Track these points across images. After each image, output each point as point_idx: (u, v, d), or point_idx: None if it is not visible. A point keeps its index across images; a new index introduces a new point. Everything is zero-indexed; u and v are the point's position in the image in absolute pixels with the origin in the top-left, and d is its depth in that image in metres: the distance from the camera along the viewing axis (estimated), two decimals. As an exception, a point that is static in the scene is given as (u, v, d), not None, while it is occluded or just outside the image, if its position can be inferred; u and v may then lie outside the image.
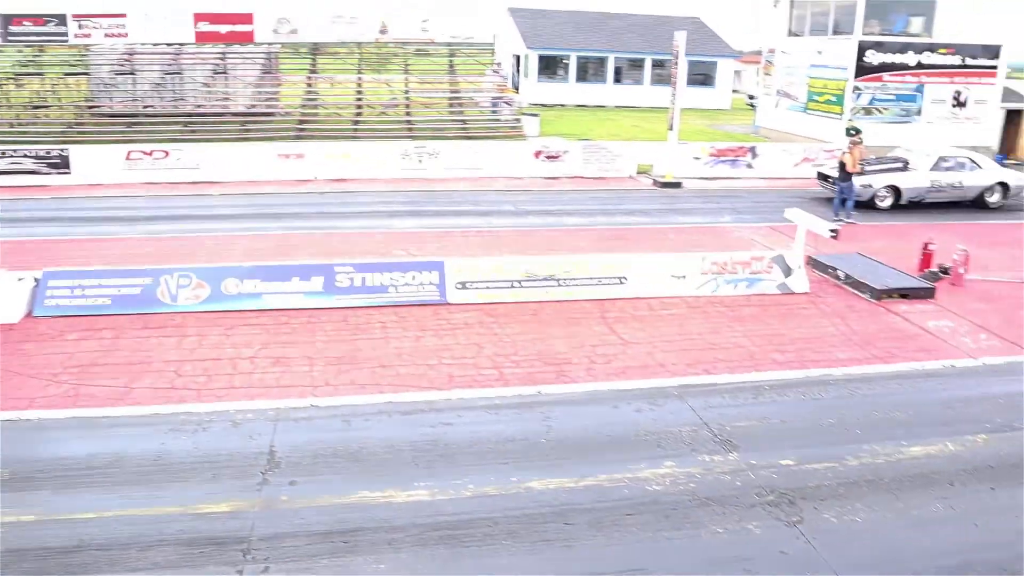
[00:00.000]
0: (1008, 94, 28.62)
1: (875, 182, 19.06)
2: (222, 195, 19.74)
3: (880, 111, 26.71)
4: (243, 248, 14.25)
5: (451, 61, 32.28)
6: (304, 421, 8.13)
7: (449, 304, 11.53)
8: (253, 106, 27.88)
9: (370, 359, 9.68)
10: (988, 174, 19.97)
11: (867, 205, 19.01)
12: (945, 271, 13.26)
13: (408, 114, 28.56)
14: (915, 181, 19.32)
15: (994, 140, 27.88)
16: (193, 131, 25.22)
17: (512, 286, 11.75)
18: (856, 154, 17.68)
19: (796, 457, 7.55)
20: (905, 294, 12.28)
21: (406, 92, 29.88)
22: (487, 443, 7.76)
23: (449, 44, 32.57)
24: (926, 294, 12.40)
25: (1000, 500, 7.08)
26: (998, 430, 8.35)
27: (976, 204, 19.90)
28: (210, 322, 10.70)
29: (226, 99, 28.13)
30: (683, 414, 8.39)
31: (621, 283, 11.91)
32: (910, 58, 26.50)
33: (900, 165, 19.68)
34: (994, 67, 27.40)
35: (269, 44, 30.60)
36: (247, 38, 30.59)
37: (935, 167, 19.45)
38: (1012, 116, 28.60)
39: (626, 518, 6.57)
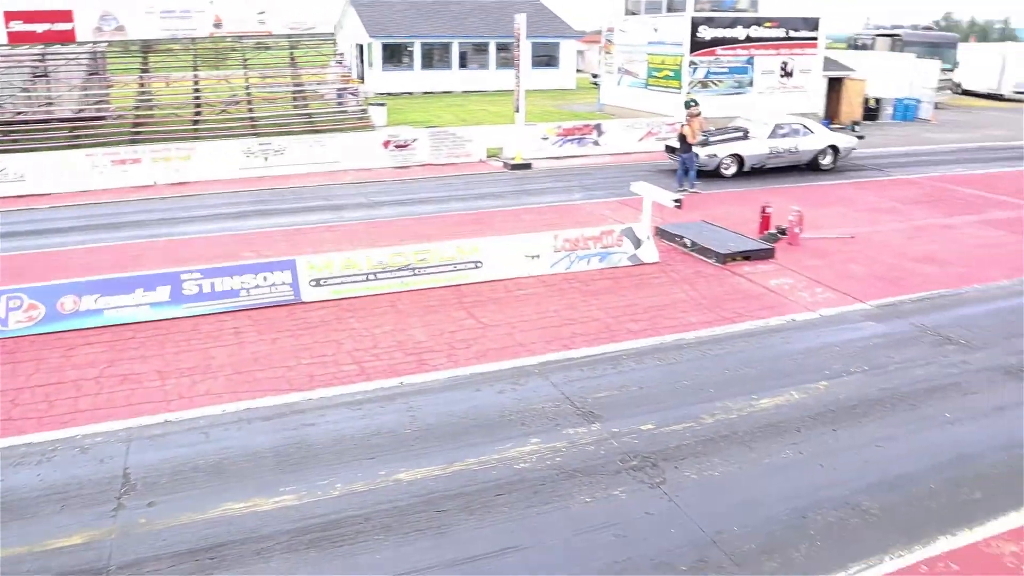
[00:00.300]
0: (828, 63, 30.53)
1: (719, 151, 19.96)
2: (52, 208, 18.50)
3: (716, 84, 27.94)
4: (81, 263, 13.40)
5: (292, 53, 31.42)
6: (159, 438, 7.74)
7: (305, 303, 11.26)
8: (81, 110, 26.28)
9: (225, 367, 9.32)
10: (820, 138, 21.28)
11: (714, 174, 19.93)
12: (782, 232, 14.03)
13: (250, 111, 27.66)
14: (756, 149, 20.36)
15: (819, 106, 29.71)
16: (14, 141, 23.50)
17: (368, 279, 11.59)
18: (695, 126, 18.43)
19: (656, 421, 7.82)
20: (748, 256, 12.93)
21: (247, 88, 28.90)
22: (352, 440, 7.63)
23: (289, 36, 31.63)
24: (766, 255, 13.10)
25: (841, 440, 7.58)
26: (836, 376, 8.93)
27: (811, 167, 21.20)
28: (47, 345, 10.01)
29: (50, 104, 26.38)
30: (545, 391, 8.53)
31: (477, 267, 11.97)
32: (739, 32, 27.83)
33: (741, 134, 20.67)
34: (815, 38, 29.16)
35: (94, 43, 28.80)
36: (67, 37, 28.59)
37: (772, 134, 20.58)
38: (833, 83, 30.56)
39: (496, 499, 6.62)
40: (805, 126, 21.42)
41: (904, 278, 12.42)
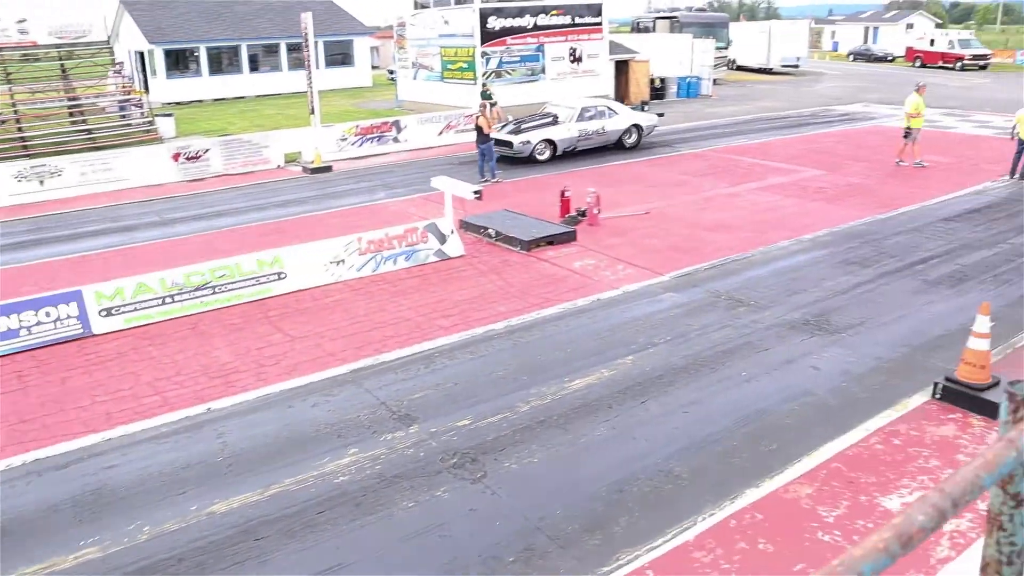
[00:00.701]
0: (615, 47, 31.85)
1: (532, 138, 20.62)
2: None
3: (510, 73, 28.42)
4: None
5: (63, 65, 29.02)
6: (-71, 507, 6.93)
7: (96, 336, 10.43)
8: None
9: (7, 417, 8.47)
10: (624, 119, 22.35)
11: (529, 160, 20.68)
12: (582, 214, 14.48)
13: (20, 130, 25.36)
14: (566, 133, 21.19)
15: (609, 89, 30.92)
16: None
17: (164, 303, 10.90)
18: (492, 116, 18.67)
19: (472, 416, 7.84)
20: (551, 241, 13.24)
21: (13, 105, 26.44)
22: (159, 477, 7.14)
23: (57, 46, 29.18)
24: (569, 238, 13.47)
25: (651, 411, 7.89)
26: (642, 349, 9.30)
27: (618, 146, 22.33)
28: None
29: None
30: (360, 398, 8.35)
31: (281, 279, 11.54)
32: (527, 21, 28.44)
33: (551, 120, 21.43)
34: (599, 23, 30.28)
35: None
36: None
37: (580, 118, 21.48)
38: (621, 66, 31.93)
39: (318, 517, 6.40)
40: (610, 108, 22.49)
41: (697, 248, 13.14)
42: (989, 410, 7.54)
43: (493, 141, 18.44)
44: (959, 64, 51.31)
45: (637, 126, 22.57)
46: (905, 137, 19.45)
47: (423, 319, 10.42)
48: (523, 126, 21.04)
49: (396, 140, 23.86)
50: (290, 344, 9.87)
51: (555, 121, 21.41)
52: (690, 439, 7.36)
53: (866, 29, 71.97)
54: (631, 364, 8.94)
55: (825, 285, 11.35)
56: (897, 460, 6.91)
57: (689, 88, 35.13)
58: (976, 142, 23.09)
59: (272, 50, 43.33)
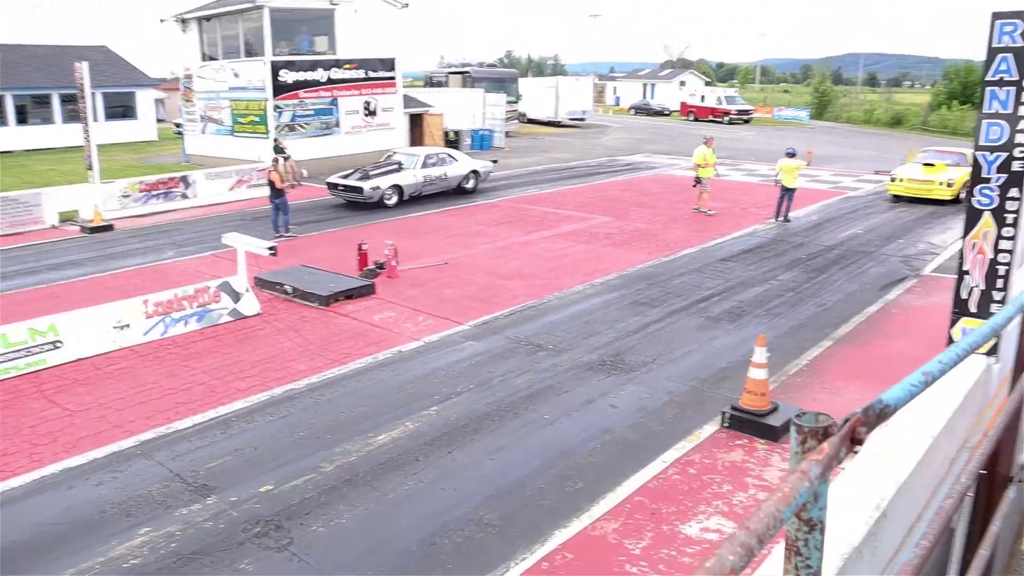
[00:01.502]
0: (409, 100, 32.26)
1: (382, 184, 21.45)
2: None
3: (303, 126, 28.01)
4: None
5: None
6: None
7: None
8: None
9: None
10: (464, 165, 23.82)
11: (378, 205, 21.46)
12: (380, 266, 14.39)
13: None
14: (412, 178, 22.23)
15: (404, 142, 31.19)
16: None
17: (-87, 382, 9.69)
18: (286, 170, 18.26)
19: (275, 480, 7.49)
20: (350, 295, 13.05)
21: None
22: (-93, 582, 6.26)
23: None
24: (367, 291, 13.33)
25: (458, 460, 7.89)
26: (446, 399, 9.31)
27: (458, 191, 23.62)
28: None
29: None
30: (150, 472, 7.75)
31: (57, 348, 10.58)
32: (321, 74, 28.25)
33: (396, 167, 22.40)
34: (393, 77, 30.59)
35: None
36: None
37: (424, 165, 22.64)
38: (415, 119, 32.35)
39: (104, 609, 5.85)
40: (450, 155, 23.98)
41: (496, 296, 13.41)
42: (770, 434, 8.17)
43: (286, 195, 18.01)
44: (727, 118, 56.22)
45: (475, 172, 23.99)
46: (695, 185, 20.90)
47: (218, 382, 9.88)
48: (371, 172, 21.81)
49: (184, 196, 22.74)
50: (68, 419, 9.03)
51: (400, 168, 22.31)
52: (498, 486, 7.41)
53: (644, 85, 77.42)
54: (436, 415, 8.91)
55: (618, 326, 11.91)
56: (694, 488, 7.30)
57: (482, 140, 36.12)
58: (745, 188, 25.27)
59: (43, 101, 40.25)
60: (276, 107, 27.17)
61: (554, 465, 7.80)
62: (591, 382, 9.87)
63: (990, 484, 2.27)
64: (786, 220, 19.83)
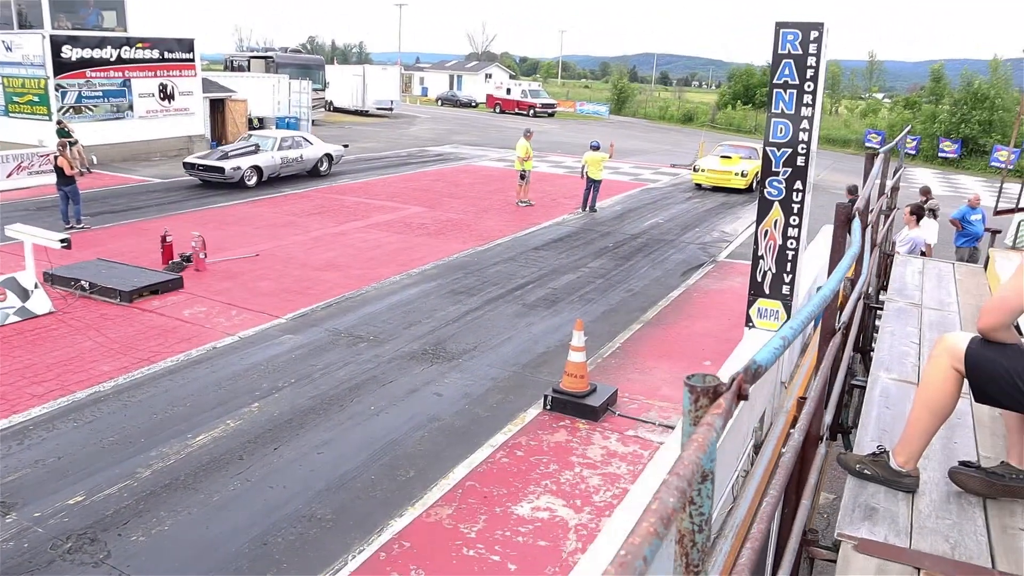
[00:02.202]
0: (209, 85, 30.66)
1: (242, 164, 21.68)
2: None
3: (91, 109, 25.96)
4: None
5: None
6: None
7: None
8: None
9: None
10: (318, 149, 24.42)
11: (239, 185, 21.49)
12: (187, 259, 13.67)
13: None
14: (270, 160, 22.61)
15: (204, 128, 29.67)
16: None
17: None
18: (71, 156, 16.89)
19: (85, 490, 6.98)
20: (155, 290, 12.30)
21: None
22: None
23: None
24: (175, 285, 12.63)
25: (285, 456, 7.70)
26: (266, 395, 9.04)
27: (312, 173, 24.05)
28: None
29: None
30: (-65, 490, 7.01)
31: None
32: (110, 53, 26.21)
33: (254, 148, 22.74)
34: (191, 60, 28.93)
35: None
36: None
37: (280, 147, 23.05)
38: (217, 105, 30.79)
39: None
40: (305, 139, 24.58)
41: (312, 287, 13.12)
42: (591, 414, 8.57)
43: (76, 183, 16.66)
44: (532, 111, 57.69)
45: (328, 155, 24.66)
46: (521, 179, 21.25)
47: (9, 388, 9.00)
48: (230, 153, 22.12)
49: (-48, 183, 20.49)
50: None
51: (258, 149, 22.65)
52: (328, 480, 7.31)
53: (451, 77, 77.86)
54: (258, 411, 8.65)
55: (437, 315, 12.02)
56: (522, 470, 7.53)
57: (288, 128, 35.04)
58: (552, 180, 26.09)
59: None
60: (58, 86, 24.98)
61: (383, 455, 7.79)
62: (414, 371, 9.91)
63: (804, 443, 2.55)
64: (592, 210, 20.71)
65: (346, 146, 26.85)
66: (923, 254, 10.67)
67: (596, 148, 20.55)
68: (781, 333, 1.57)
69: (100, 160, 23.64)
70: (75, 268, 12.73)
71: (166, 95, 27.98)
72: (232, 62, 45.69)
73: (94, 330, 10.86)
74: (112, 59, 26.23)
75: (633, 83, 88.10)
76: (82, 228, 16.44)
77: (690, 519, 1.24)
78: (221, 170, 21.37)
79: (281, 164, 22.93)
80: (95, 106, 25.98)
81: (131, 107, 27.00)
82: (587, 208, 20.77)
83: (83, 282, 12.23)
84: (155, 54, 27.51)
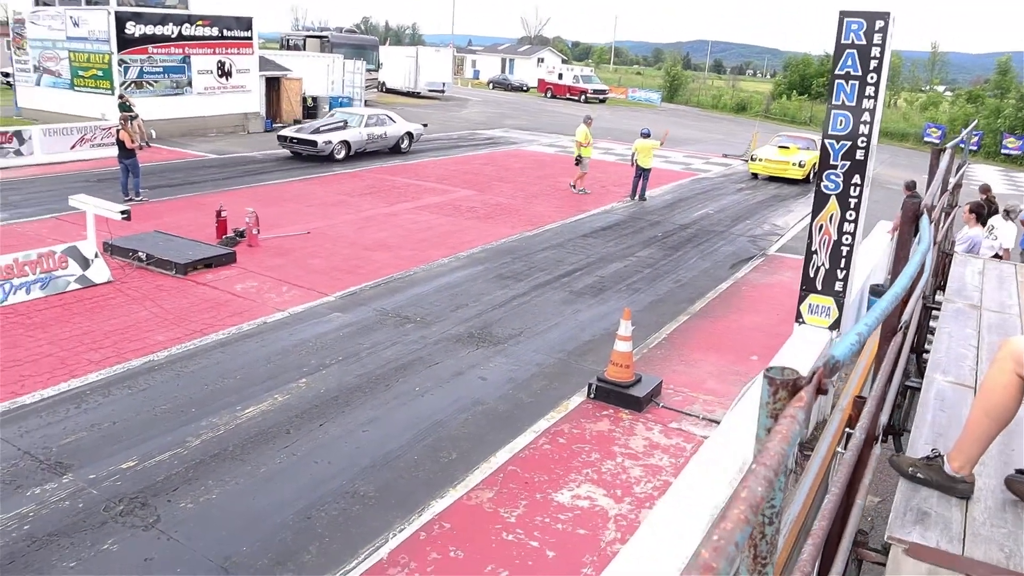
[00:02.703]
0: (265, 63, 31.02)
1: (333, 139, 23.22)
2: None
3: (152, 84, 26.45)
4: None
5: None
6: None
7: None
8: None
9: None
10: (400, 127, 25.75)
11: (328, 158, 23.09)
12: (241, 234, 13.90)
13: None
14: (357, 136, 24.08)
15: (260, 106, 30.05)
16: None
17: None
18: (132, 130, 17.25)
19: (138, 456, 7.17)
20: (209, 264, 12.54)
21: None
22: None
23: None
24: (228, 260, 12.86)
25: (331, 433, 7.81)
26: (314, 371, 9.17)
27: (394, 150, 25.49)
28: None
29: None
30: (-4, 450, 7.25)
31: None
32: (171, 30, 26.66)
33: (343, 124, 24.16)
34: (249, 38, 29.31)
35: None
36: None
37: (367, 124, 24.57)
38: (272, 83, 31.15)
39: (-50, 597, 5.46)
40: (389, 117, 25.86)
41: (361, 267, 13.25)
42: (635, 404, 8.53)
43: (136, 157, 17.01)
44: (583, 97, 57.37)
45: (409, 133, 26.00)
46: (577, 164, 21.09)
47: (68, 354, 9.28)
48: (321, 128, 23.64)
49: (18, 153, 21.02)
50: None
51: (346, 126, 24.09)
52: (372, 457, 7.40)
53: (503, 60, 77.74)
54: (305, 387, 8.77)
55: (484, 299, 12.05)
56: (564, 457, 7.54)
57: (341, 108, 35.33)
58: (603, 167, 25.92)
59: None
60: (121, 61, 25.48)
61: (427, 436, 7.86)
62: (460, 354, 9.97)
63: (863, 443, 2.51)
64: (642, 199, 20.56)
65: (425, 125, 28.00)
66: (998, 257, 10.37)
67: (647, 135, 20.35)
68: (856, 330, 1.55)
69: (159, 135, 24.10)
70: (133, 239, 13.03)
71: (224, 72, 28.39)
72: (288, 41, 46.13)
73: (150, 300, 11.11)
74: (173, 36, 26.69)
75: (686, 71, 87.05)
76: (141, 200, 16.80)
77: (762, 512, 1.23)
78: (314, 143, 22.90)
79: (367, 140, 24.44)
80: (156, 82, 26.48)
81: (190, 83, 27.46)
82: (636, 197, 20.62)
83: (140, 253, 12.51)
84: (214, 32, 27.90)
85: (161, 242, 13.13)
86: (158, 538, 6.06)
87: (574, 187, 21.12)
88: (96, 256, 11.73)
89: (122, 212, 11.91)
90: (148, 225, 14.25)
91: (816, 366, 1.34)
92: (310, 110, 33.40)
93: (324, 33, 46.91)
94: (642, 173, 20.40)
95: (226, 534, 6.15)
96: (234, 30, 28.59)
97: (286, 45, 45.25)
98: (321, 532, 6.24)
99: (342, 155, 23.56)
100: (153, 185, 18.22)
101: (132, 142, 16.83)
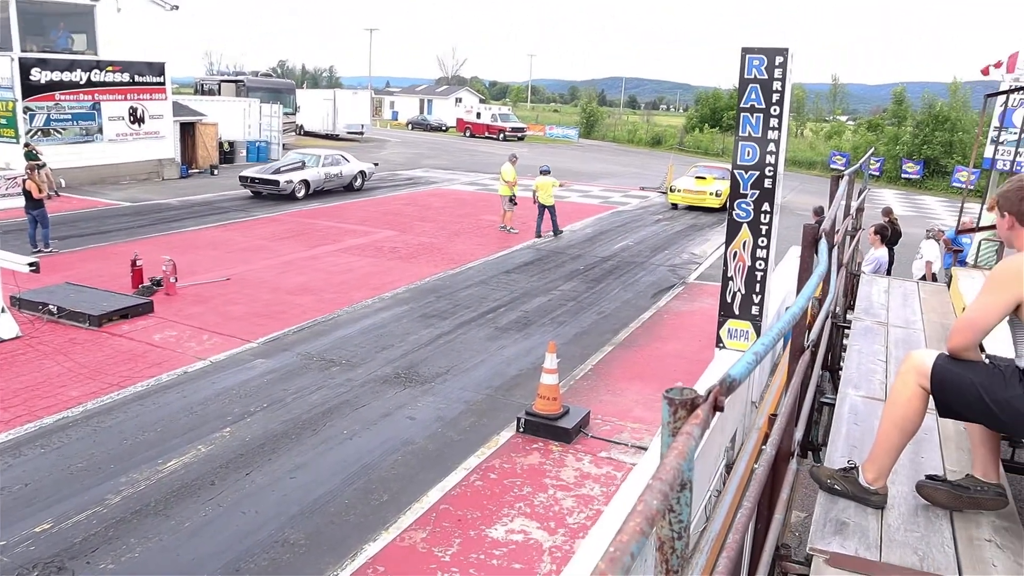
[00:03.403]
0: (179, 108, 30.52)
1: (294, 178, 24.65)
2: None
3: (60, 132, 25.74)
4: None
5: None
6: None
7: None
8: None
9: None
10: (354, 166, 27.32)
11: (290, 197, 24.37)
12: (157, 283, 13.56)
13: None
14: (316, 175, 25.55)
15: (175, 152, 29.49)
16: None
17: None
18: (40, 179, 16.71)
19: (53, 517, 6.88)
20: (125, 314, 12.18)
21: None
22: None
23: None
24: (145, 309, 12.52)
25: (257, 482, 7.65)
26: (238, 419, 8.98)
27: (348, 188, 26.82)
28: None
29: None
30: None
31: None
32: (80, 76, 26.05)
33: (300, 164, 25.68)
34: (162, 83, 28.82)
35: None
36: None
37: (324, 164, 26.08)
38: (187, 129, 30.63)
39: None
40: (343, 157, 27.43)
41: (284, 312, 13.07)
42: (564, 436, 8.60)
43: (45, 207, 16.49)
44: (502, 135, 58.03)
45: (363, 172, 27.55)
46: (511, 203, 21.04)
47: (-25, 414, 8.89)
48: (281, 168, 25.11)
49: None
50: None
51: (303, 166, 25.54)
52: (301, 504, 7.27)
53: (421, 101, 78.07)
54: (230, 436, 8.58)
55: (410, 339, 12.01)
56: (496, 492, 7.54)
57: (259, 152, 34.92)
58: (523, 203, 26.12)
59: None
60: (27, 109, 24.75)
61: (357, 480, 7.76)
62: (387, 395, 9.90)
63: (776, 458, 2.61)
64: (557, 233, 20.71)
65: (376, 164, 29.63)
66: (924, 278, 10.96)
67: (546, 172, 20.60)
68: (753, 349, 1.63)
69: (69, 183, 23.41)
70: (43, 292, 12.58)
71: (136, 118, 27.82)
72: (203, 86, 45.51)
73: (62, 355, 10.72)
74: (82, 82, 26.07)
75: (602, 107, 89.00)
76: (50, 252, 16.26)
77: (670, 526, 1.28)
78: (276, 183, 24.26)
79: (325, 179, 25.85)
80: (64, 129, 25.78)
81: (100, 130, 26.82)
82: (539, 234, 20.53)
83: (51, 306, 12.08)
84: (125, 77, 27.36)
85: (73, 294, 12.71)
86: (77, 602, 5.82)
87: (505, 227, 21.16)
88: (3, 311, 11.27)
89: (30, 264, 11.50)
90: (58, 277, 13.79)
91: (712, 385, 1.41)
92: (227, 155, 32.96)
93: (240, 77, 46.54)
94: (544, 209, 20.52)
95: (150, 593, 5.94)
96: (146, 75, 28.09)
97: (201, 90, 44.62)
98: (250, 584, 6.08)
99: (302, 193, 24.83)
100: (63, 236, 17.66)
101: (40, 192, 16.30)
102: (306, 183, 25.03)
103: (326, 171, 25.93)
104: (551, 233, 20.68)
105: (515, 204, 21.08)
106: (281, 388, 9.96)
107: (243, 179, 25.08)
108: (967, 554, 2.90)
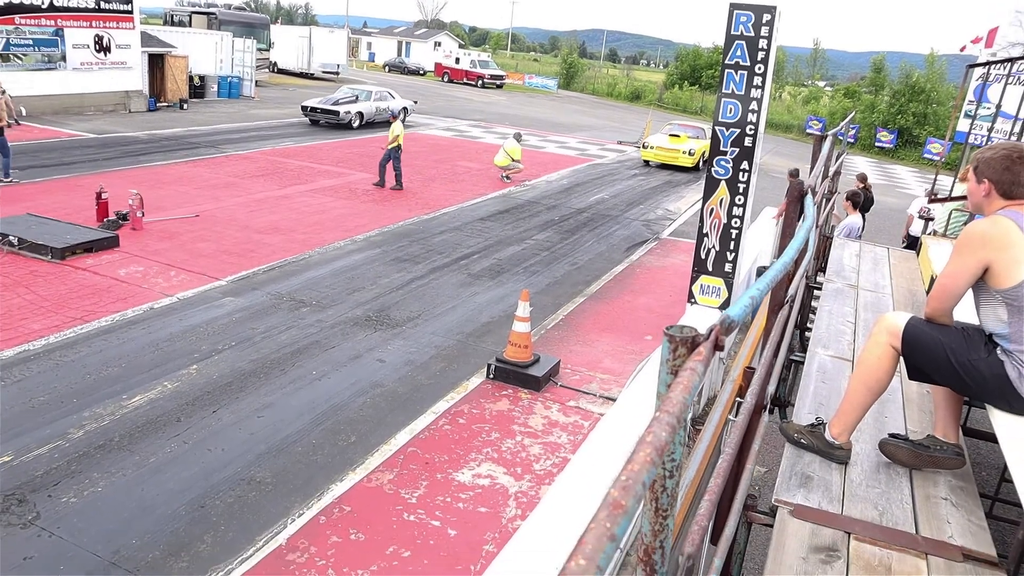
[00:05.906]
0: (148, 39, 29.65)
1: (352, 110, 27.74)
2: None
3: (20, 58, 24.92)
4: None
5: None
6: None
7: None
8: None
9: None
10: (399, 102, 30.18)
11: (347, 126, 27.67)
12: (123, 217, 13.29)
13: None
14: (369, 108, 28.56)
15: (143, 84, 28.75)
16: None
17: None
18: (1, 107, 16.21)
19: (13, 450, 6.79)
20: (89, 248, 11.93)
21: None
22: None
23: None
24: (110, 243, 12.27)
25: (224, 419, 7.60)
26: (206, 357, 8.89)
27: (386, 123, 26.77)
28: None
29: None
30: None
31: None
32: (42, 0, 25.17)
33: (354, 98, 28.65)
34: (130, 12, 27.90)
35: None
36: None
37: (374, 99, 29.08)
38: (155, 60, 29.81)
39: None
40: (390, 93, 30.54)
41: (253, 250, 12.90)
42: (533, 384, 8.64)
43: (4, 135, 15.99)
44: (480, 82, 57.30)
45: (405, 108, 30.10)
46: (507, 179, 21.05)
47: (-67, 343, 8.71)
48: (340, 100, 28.09)
49: None
50: None
51: (357, 99, 28.48)
52: (268, 443, 7.24)
53: (400, 43, 76.74)
54: (196, 373, 8.50)
55: (382, 282, 11.93)
56: (464, 437, 7.56)
57: (231, 88, 34.19)
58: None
59: None
60: (-14, 33, 23.91)
61: (325, 420, 7.75)
62: (357, 337, 9.85)
63: (750, 411, 2.62)
64: (507, 180, 20.65)
65: (415, 102, 32.39)
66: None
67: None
68: (749, 293, 1.61)
69: (30, 112, 22.81)
70: (3, 223, 12.27)
71: (102, 47, 26.99)
72: (172, 17, 44.21)
73: (23, 287, 10.50)
74: (44, 6, 25.14)
75: (582, 59, 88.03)
76: (10, 182, 15.84)
77: (662, 465, 1.26)
78: (336, 113, 27.46)
79: (376, 112, 28.58)
80: (24, 55, 24.93)
81: (64, 58, 25.97)
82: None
83: (12, 237, 11.79)
84: (90, 3, 26.44)
85: (35, 225, 12.41)
86: (38, 535, 5.76)
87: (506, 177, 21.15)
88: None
89: (-8, 193, 11.21)
90: (19, 208, 13.47)
91: (713, 324, 1.38)
92: (197, 89, 32.22)
93: (211, 10, 45.24)
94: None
95: (114, 527, 5.90)
96: (112, 2, 27.18)
97: (170, 21, 43.35)
98: (216, 521, 6.06)
99: (356, 124, 27.93)
100: (24, 165, 17.19)
101: (1, 120, 15.82)
102: (360, 115, 28.05)
103: (376, 105, 28.75)
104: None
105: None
106: (250, 327, 9.86)
107: (304, 108, 28.22)
108: (924, 510, 2.98)
